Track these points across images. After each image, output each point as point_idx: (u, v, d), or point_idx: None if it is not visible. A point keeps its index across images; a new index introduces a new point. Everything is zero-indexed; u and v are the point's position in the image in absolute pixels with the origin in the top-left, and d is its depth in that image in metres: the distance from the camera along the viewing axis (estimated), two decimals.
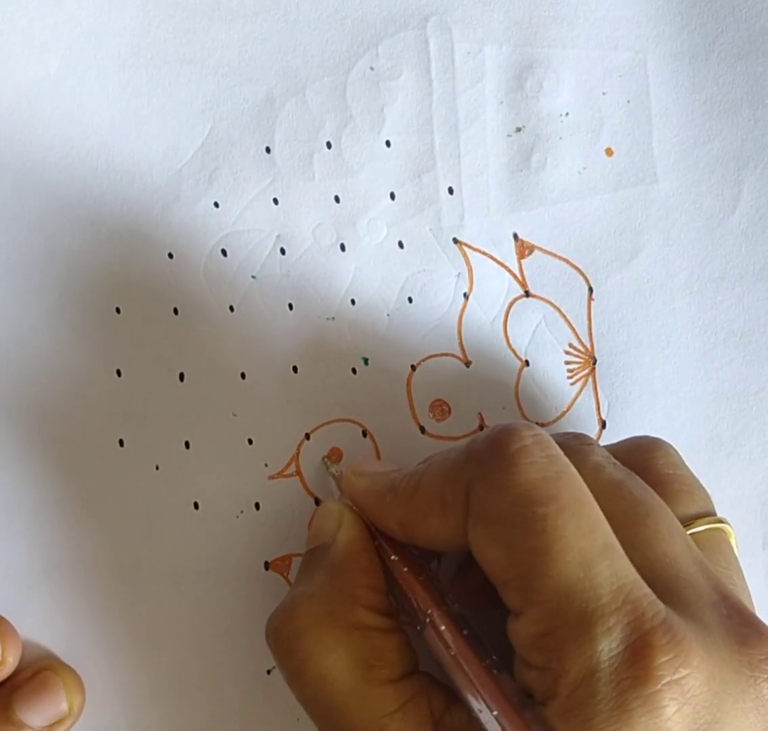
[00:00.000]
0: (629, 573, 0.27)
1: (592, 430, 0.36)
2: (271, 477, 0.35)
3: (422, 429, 0.35)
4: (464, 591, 0.32)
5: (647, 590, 0.27)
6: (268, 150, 0.36)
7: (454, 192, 0.36)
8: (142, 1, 0.36)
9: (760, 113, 0.36)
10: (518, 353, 0.36)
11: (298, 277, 0.35)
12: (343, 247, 0.36)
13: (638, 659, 0.25)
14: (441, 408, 0.35)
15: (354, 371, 0.35)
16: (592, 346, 0.36)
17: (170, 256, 0.35)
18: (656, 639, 0.25)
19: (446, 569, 0.34)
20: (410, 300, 0.36)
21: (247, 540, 0.35)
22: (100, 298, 0.35)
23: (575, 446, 0.30)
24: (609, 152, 0.36)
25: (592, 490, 0.28)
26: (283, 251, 0.35)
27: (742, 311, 0.36)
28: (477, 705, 0.28)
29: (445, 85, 0.36)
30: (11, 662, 0.34)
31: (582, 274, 0.36)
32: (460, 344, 0.36)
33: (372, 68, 0.36)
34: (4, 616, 0.34)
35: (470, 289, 0.36)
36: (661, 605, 0.26)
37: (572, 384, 0.36)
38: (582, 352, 0.36)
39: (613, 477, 0.30)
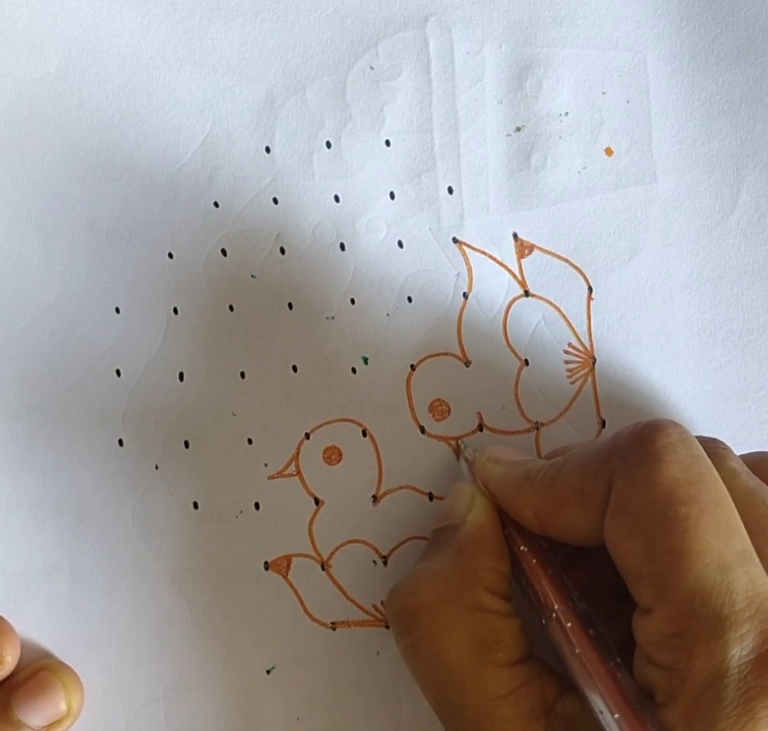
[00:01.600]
0: (764, 582, 0.27)
1: (591, 430, 0.36)
2: (271, 477, 0.35)
3: (422, 429, 0.35)
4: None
5: None
6: (267, 149, 0.36)
7: (454, 191, 0.36)
8: (141, 1, 0.36)
9: (759, 113, 0.36)
10: (518, 352, 0.36)
11: (297, 277, 0.35)
12: (342, 247, 0.36)
13: (767, 669, 0.26)
14: (440, 408, 0.35)
15: (354, 371, 0.35)
16: (591, 345, 0.36)
17: (170, 255, 0.35)
18: None
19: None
20: (410, 299, 0.36)
21: (246, 540, 0.35)
22: (99, 297, 0.35)
23: (712, 448, 0.30)
24: (609, 152, 0.36)
25: None
26: (282, 250, 0.35)
27: (741, 310, 0.36)
28: (598, 705, 0.28)
29: (445, 84, 0.36)
30: (10, 662, 0.34)
31: (581, 273, 0.36)
32: (460, 344, 0.36)
33: (372, 68, 0.36)
34: (3, 616, 0.34)
35: (470, 288, 0.36)
36: None
37: (572, 383, 0.36)
38: (581, 352, 0.36)
39: (748, 485, 0.30)
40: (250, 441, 0.35)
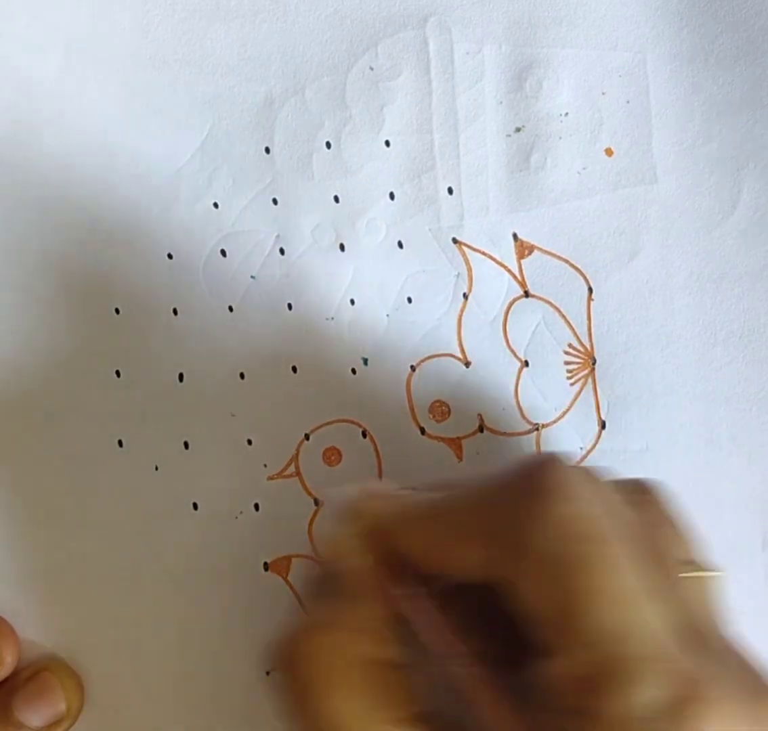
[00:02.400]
0: (671, 621, 0.26)
1: (591, 431, 0.36)
2: (271, 478, 0.35)
3: (422, 430, 0.35)
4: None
5: (686, 639, 0.26)
6: (267, 150, 0.36)
7: (454, 192, 0.36)
8: (141, 2, 0.36)
9: (759, 114, 0.36)
10: (518, 353, 0.36)
11: (297, 277, 0.35)
12: (342, 247, 0.36)
13: (679, 711, 0.25)
14: (440, 409, 0.35)
15: (353, 371, 0.35)
16: (591, 346, 0.36)
17: (169, 256, 0.35)
18: (697, 690, 0.25)
19: None
20: (409, 300, 0.36)
21: (246, 541, 0.35)
22: (99, 298, 0.35)
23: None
24: (609, 152, 0.36)
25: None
26: (282, 251, 0.35)
27: (741, 311, 0.36)
28: None
29: (445, 85, 0.36)
30: (10, 662, 0.34)
31: (582, 274, 0.36)
32: (460, 344, 0.36)
33: (371, 68, 0.36)
34: (3, 616, 0.34)
35: (470, 289, 0.36)
36: (698, 655, 0.26)
37: (572, 384, 0.36)
38: (582, 353, 0.36)
39: (634, 518, 0.29)
40: (249, 441, 0.35)
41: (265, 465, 0.35)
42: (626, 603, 0.25)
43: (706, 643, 0.27)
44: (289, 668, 0.28)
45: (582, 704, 0.25)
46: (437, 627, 0.29)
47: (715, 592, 0.30)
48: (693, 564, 0.30)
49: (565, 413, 0.36)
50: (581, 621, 0.25)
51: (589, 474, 0.28)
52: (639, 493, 0.31)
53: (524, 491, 0.27)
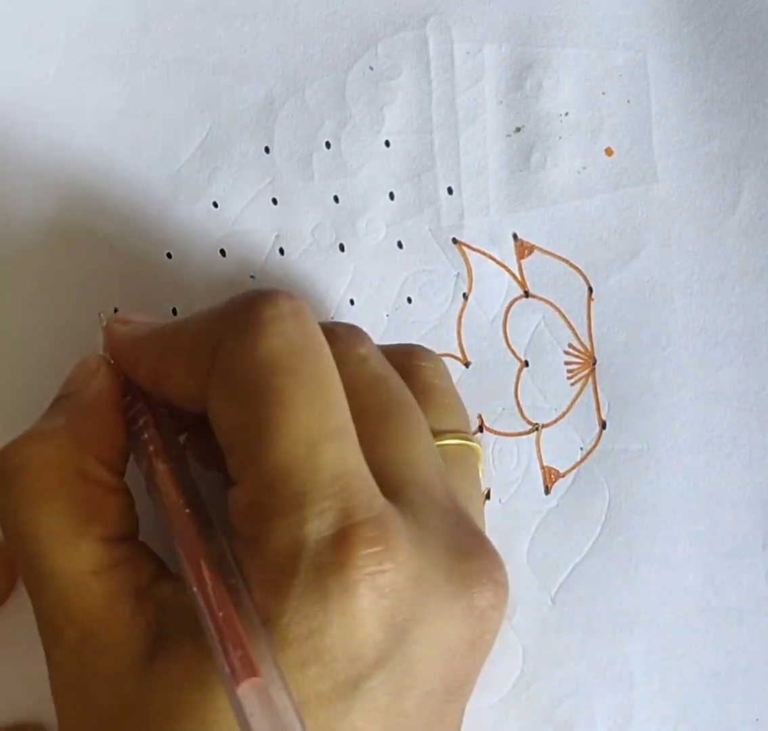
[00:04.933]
0: (356, 463, 0.26)
1: (592, 431, 0.36)
2: None
3: None
4: (198, 452, 0.31)
5: (371, 483, 0.26)
6: (267, 150, 0.36)
7: (454, 192, 0.36)
8: (141, 1, 0.36)
9: (760, 113, 0.36)
10: (518, 353, 0.36)
11: (297, 277, 0.35)
12: (342, 247, 0.36)
13: (343, 546, 0.25)
14: None
15: None
16: (592, 346, 0.36)
17: (169, 256, 0.35)
18: (365, 530, 0.25)
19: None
20: (409, 300, 0.36)
21: None
22: (98, 298, 0.35)
23: (344, 334, 0.30)
24: (609, 152, 0.36)
25: (351, 381, 0.28)
26: (282, 251, 0.35)
27: (742, 311, 0.36)
28: (186, 578, 0.26)
29: (445, 84, 0.36)
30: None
31: (582, 274, 0.36)
32: (460, 344, 0.36)
33: (371, 68, 0.36)
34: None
35: (469, 289, 0.36)
36: (381, 500, 0.26)
37: (572, 384, 0.36)
38: (582, 352, 0.36)
39: (374, 372, 0.29)
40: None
41: None
42: (308, 439, 0.26)
43: (423, 496, 0.27)
44: (10, 471, 0.28)
45: (254, 531, 0.26)
46: (158, 448, 0.29)
47: (471, 463, 0.31)
48: (451, 433, 0.31)
49: (565, 413, 0.36)
50: (263, 452, 0.26)
51: (306, 317, 0.27)
52: (411, 358, 0.32)
53: (237, 321, 0.27)
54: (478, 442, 0.32)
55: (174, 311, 0.35)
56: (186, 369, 0.28)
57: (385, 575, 0.25)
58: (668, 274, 0.36)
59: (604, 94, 0.36)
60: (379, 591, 0.25)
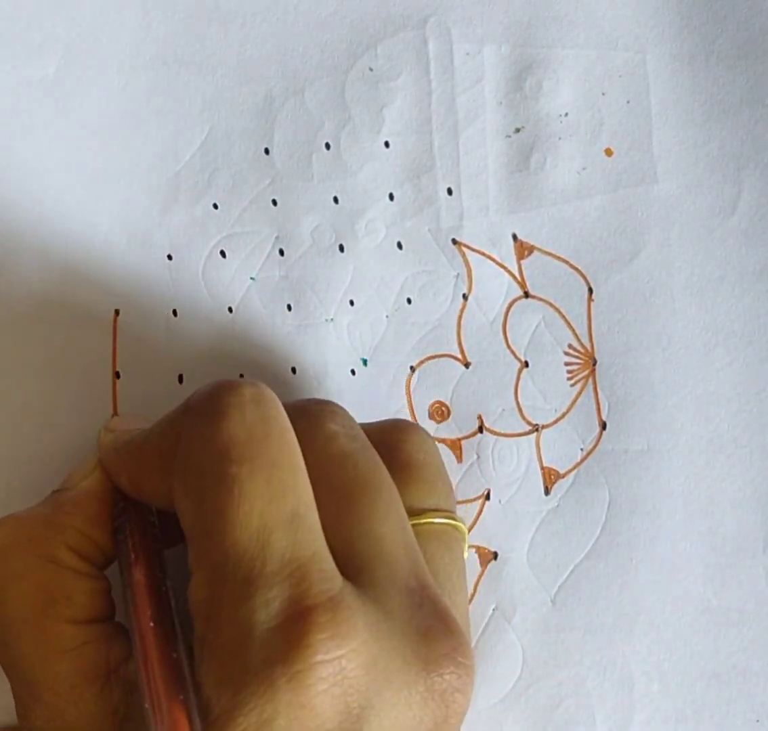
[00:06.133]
0: (311, 546, 0.26)
1: (592, 432, 0.36)
2: None
3: None
4: None
5: (325, 566, 0.26)
6: (267, 151, 0.36)
7: (453, 192, 0.36)
8: (140, 2, 0.36)
9: (760, 113, 0.36)
10: (518, 354, 0.36)
11: (296, 279, 0.35)
12: (341, 248, 0.36)
13: (291, 634, 0.25)
14: (440, 410, 0.35)
15: (353, 372, 0.35)
16: (592, 346, 0.36)
17: (169, 257, 0.35)
18: (315, 615, 0.25)
19: None
20: (409, 301, 0.36)
21: None
22: (99, 299, 0.35)
23: (315, 411, 0.30)
24: (609, 152, 0.36)
25: (318, 459, 0.28)
26: (281, 252, 0.35)
27: (742, 311, 0.36)
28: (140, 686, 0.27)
29: (444, 85, 0.36)
30: None
31: (582, 274, 0.36)
32: (460, 345, 0.36)
33: (371, 69, 0.36)
34: None
35: (469, 289, 0.36)
36: (337, 583, 0.26)
37: (572, 385, 0.36)
38: (582, 353, 0.36)
39: (343, 448, 0.29)
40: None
41: None
42: (259, 527, 0.25)
43: (386, 576, 0.27)
44: None
45: (206, 626, 0.26)
46: (139, 555, 0.29)
47: (455, 543, 0.31)
48: (434, 512, 0.30)
49: (565, 414, 0.36)
50: (215, 542, 0.26)
51: (269, 403, 0.28)
52: (395, 433, 0.31)
53: (194, 411, 0.28)
54: (462, 522, 0.31)
55: (174, 312, 0.35)
56: (157, 472, 0.28)
57: (336, 662, 0.25)
58: (668, 274, 0.36)
59: (603, 94, 0.36)
60: (331, 679, 0.25)
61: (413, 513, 0.30)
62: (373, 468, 0.29)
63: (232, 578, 0.25)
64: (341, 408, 0.30)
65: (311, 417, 0.29)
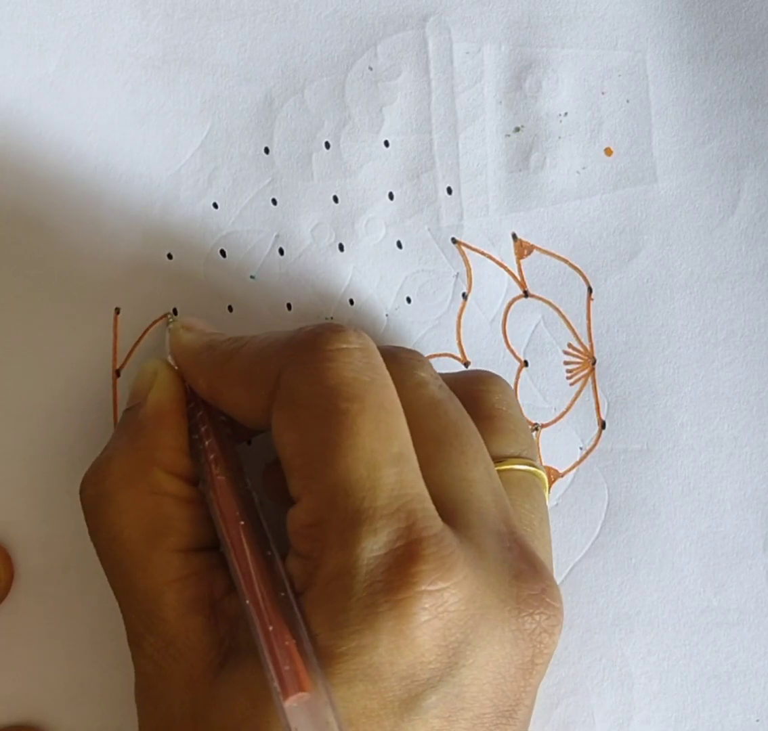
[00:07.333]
0: (415, 485, 0.27)
1: (591, 431, 0.36)
2: None
3: None
4: (271, 486, 0.32)
5: (429, 505, 0.27)
6: (266, 150, 0.36)
7: (453, 192, 0.36)
8: (140, 1, 0.36)
9: (759, 113, 0.36)
10: (517, 353, 0.36)
11: (296, 277, 0.35)
12: (341, 247, 0.36)
13: (396, 565, 0.25)
14: None
15: None
16: (591, 346, 0.36)
17: (169, 256, 0.35)
18: (420, 548, 0.26)
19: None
20: (409, 300, 0.36)
21: None
22: (99, 298, 0.35)
23: (405, 359, 0.30)
24: (608, 152, 0.36)
25: (410, 404, 0.28)
26: (281, 251, 0.35)
27: (742, 311, 0.36)
28: (240, 591, 0.27)
29: (444, 84, 0.36)
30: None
31: (581, 274, 0.36)
32: (459, 344, 0.36)
33: (371, 68, 0.36)
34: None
35: (469, 289, 0.36)
36: (438, 521, 0.27)
37: (572, 384, 0.36)
38: (581, 352, 0.36)
39: (433, 396, 0.30)
40: (248, 442, 0.35)
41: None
42: (369, 461, 0.26)
43: (478, 519, 0.28)
44: (90, 500, 0.30)
45: (311, 548, 0.26)
46: (217, 458, 0.30)
47: (536, 490, 0.31)
48: (514, 459, 0.31)
49: (564, 413, 0.36)
50: (324, 471, 0.26)
51: (371, 352, 0.28)
52: (478, 384, 0.32)
53: (303, 350, 0.28)
54: (543, 469, 0.32)
55: (174, 311, 0.35)
56: (244, 390, 0.29)
57: (439, 594, 0.26)
58: (668, 274, 0.36)
59: (603, 94, 0.36)
60: (432, 610, 0.25)
61: (496, 460, 0.30)
62: (460, 417, 0.30)
63: (342, 506, 0.26)
64: (426, 359, 0.31)
65: (401, 364, 0.30)
